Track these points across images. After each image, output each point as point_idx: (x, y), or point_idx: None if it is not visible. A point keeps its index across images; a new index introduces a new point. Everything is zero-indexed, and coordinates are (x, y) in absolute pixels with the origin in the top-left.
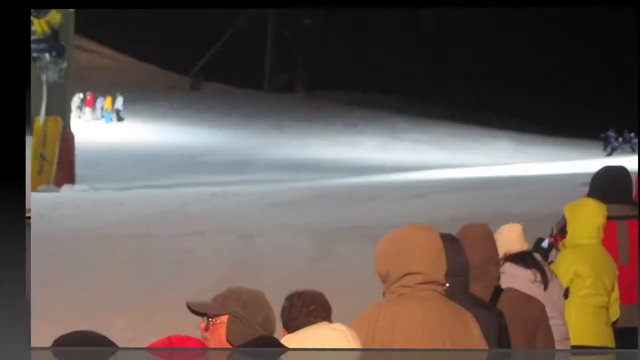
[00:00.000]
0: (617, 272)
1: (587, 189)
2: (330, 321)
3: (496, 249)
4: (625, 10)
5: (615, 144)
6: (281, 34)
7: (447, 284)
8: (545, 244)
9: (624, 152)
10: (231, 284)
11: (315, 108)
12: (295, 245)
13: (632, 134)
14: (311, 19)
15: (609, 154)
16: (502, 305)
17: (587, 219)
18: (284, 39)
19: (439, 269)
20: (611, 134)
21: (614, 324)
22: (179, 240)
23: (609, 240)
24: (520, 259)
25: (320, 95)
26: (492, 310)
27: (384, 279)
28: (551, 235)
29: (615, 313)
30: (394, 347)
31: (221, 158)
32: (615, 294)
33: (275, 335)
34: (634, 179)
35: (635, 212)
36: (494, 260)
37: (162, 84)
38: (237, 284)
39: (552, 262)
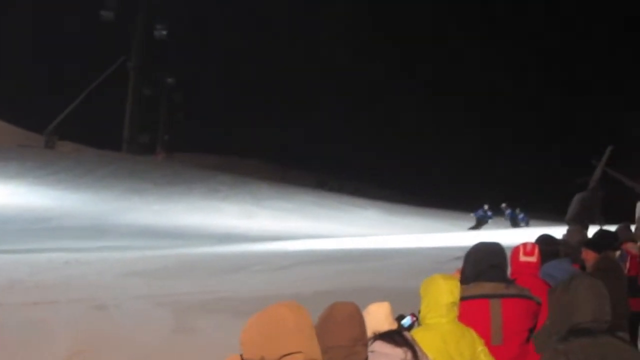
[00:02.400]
0: (480, 351)
1: (460, 263)
2: None
3: (364, 328)
4: None
5: (488, 215)
6: (142, 93)
7: None
8: (406, 321)
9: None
10: (85, 357)
11: (176, 171)
12: (154, 317)
13: (517, 210)
14: (173, 79)
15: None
16: None
17: (435, 298)
18: (144, 98)
19: (315, 346)
20: (481, 211)
21: None
22: (29, 310)
23: (482, 320)
24: (390, 337)
25: (181, 158)
26: None
27: None
28: (413, 314)
29: None
30: None
31: (75, 222)
32: None
33: None
34: (509, 255)
35: (510, 291)
36: (362, 342)
37: (14, 142)
38: (91, 357)
39: None
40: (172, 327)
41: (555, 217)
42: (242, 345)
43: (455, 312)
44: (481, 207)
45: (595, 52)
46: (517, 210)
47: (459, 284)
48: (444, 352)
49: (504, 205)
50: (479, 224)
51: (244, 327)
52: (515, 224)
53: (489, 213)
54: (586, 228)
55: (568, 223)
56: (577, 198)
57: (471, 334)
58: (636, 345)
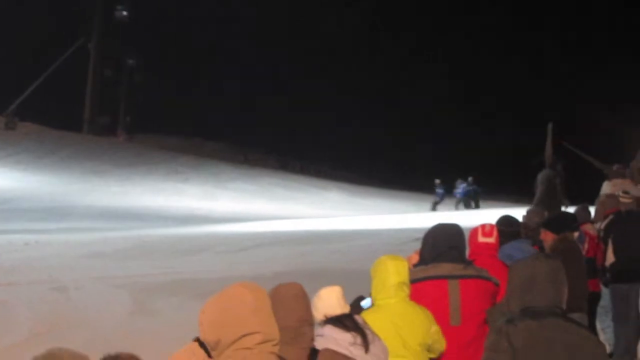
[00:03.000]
0: (435, 331)
1: (419, 244)
2: None
3: (310, 309)
4: None
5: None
6: (103, 73)
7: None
8: (366, 302)
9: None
10: (45, 338)
11: (137, 153)
12: (114, 299)
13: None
14: (135, 60)
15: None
16: None
17: (383, 278)
18: (105, 79)
19: (274, 327)
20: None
21: None
22: None
23: (440, 300)
24: (340, 321)
25: (142, 139)
26: None
27: (214, 346)
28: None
29: None
30: None
31: (36, 204)
32: (436, 354)
33: None
34: (467, 237)
35: (468, 272)
36: (308, 322)
37: None
38: (51, 338)
39: None
40: (131, 309)
41: (507, 198)
42: (200, 326)
43: (405, 291)
44: (439, 185)
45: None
46: (470, 180)
47: (407, 264)
48: (393, 332)
49: (459, 181)
50: (436, 203)
51: (203, 307)
52: (467, 202)
53: (439, 191)
54: (557, 208)
55: (536, 205)
56: (541, 178)
57: (425, 314)
58: (594, 325)
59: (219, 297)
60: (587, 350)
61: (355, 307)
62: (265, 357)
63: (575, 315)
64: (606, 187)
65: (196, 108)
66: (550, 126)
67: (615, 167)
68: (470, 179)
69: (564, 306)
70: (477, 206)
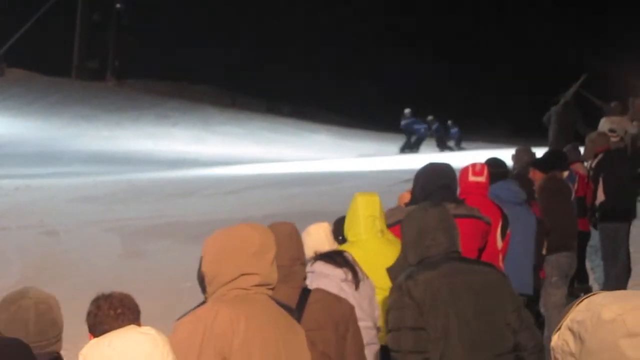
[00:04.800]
0: None
1: (409, 185)
2: (139, 324)
3: (302, 248)
4: None
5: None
6: (91, 18)
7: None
8: None
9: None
10: (36, 282)
11: (126, 97)
12: (104, 242)
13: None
14: (122, 4)
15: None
16: (311, 306)
17: (353, 213)
18: (94, 24)
19: (273, 272)
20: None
21: None
22: None
23: None
24: (331, 257)
25: (131, 84)
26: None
27: (210, 280)
28: None
29: None
30: (231, 355)
31: (25, 149)
32: None
33: (81, 340)
34: (457, 176)
35: (459, 211)
36: (300, 261)
37: None
38: (42, 282)
39: None
40: (122, 252)
41: (491, 139)
42: (202, 257)
43: (377, 227)
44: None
45: None
46: (450, 123)
47: (377, 199)
48: (366, 269)
49: (430, 117)
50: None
51: (209, 238)
52: (442, 142)
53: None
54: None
55: (550, 145)
56: (554, 116)
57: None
58: (584, 264)
59: (225, 233)
60: (491, 286)
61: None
62: (259, 298)
63: (565, 254)
64: (603, 124)
65: (184, 52)
66: (584, 76)
67: (613, 104)
68: (430, 118)
69: (459, 249)
70: (441, 148)
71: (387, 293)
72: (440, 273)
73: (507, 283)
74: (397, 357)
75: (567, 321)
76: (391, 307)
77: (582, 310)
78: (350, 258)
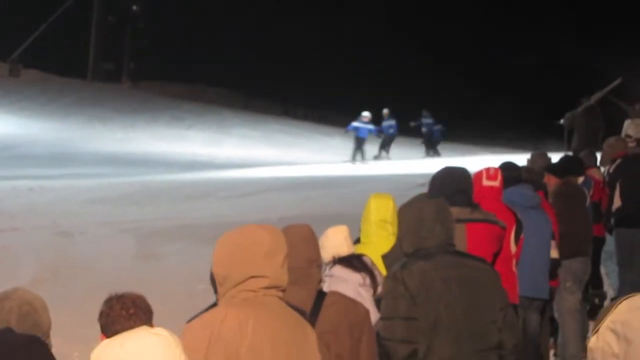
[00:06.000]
0: None
1: (423, 190)
2: (151, 325)
3: (318, 250)
4: None
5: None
6: (107, 20)
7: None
8: None
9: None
10: (49, 283)
11: (141, 100)
12: (119, 243)
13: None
14: (138, 6)
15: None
16: (326, 309)
17: (366, 216)
18: (109, 26)
19: (283, 274)
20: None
21: None
22: None
23: None
24: (349, 262)
25: (146, 86)
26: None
27: (222, 281)
28: None
29: None
30: (240, 358)
31: (40, 150)
32: None
33: (93, 341)
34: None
35: (475, 216)
36: (316, 263)
37: None
38: (55, 283)
39: None
40: (136, 254)
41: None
42: (213, 258)
43: (388, 230)
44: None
45: None
46: (424, 114)
47: (391, 202)
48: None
49: (424, 112)
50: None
51: (220, 239)
52: (429, 140)
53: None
54: (593, 154)
55: (574, 151)
56: (578, 121)
57: None
58: (599, 269)
59: (236, 234)
60: (482, 281)
61: None
62: (269, 300)
63: (579, 259)
64: (627, 127)
65: (199, 54)
66: (618, 81)
67: (637, 106)
68: (423, 112)
69: (454, 242)
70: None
71: None
72: (435, 265)
73: (498, 280)
74: (387, 345)
75: (607, 323)
76: (385, 295)
77: (624, 312)
78: (369, 262)
